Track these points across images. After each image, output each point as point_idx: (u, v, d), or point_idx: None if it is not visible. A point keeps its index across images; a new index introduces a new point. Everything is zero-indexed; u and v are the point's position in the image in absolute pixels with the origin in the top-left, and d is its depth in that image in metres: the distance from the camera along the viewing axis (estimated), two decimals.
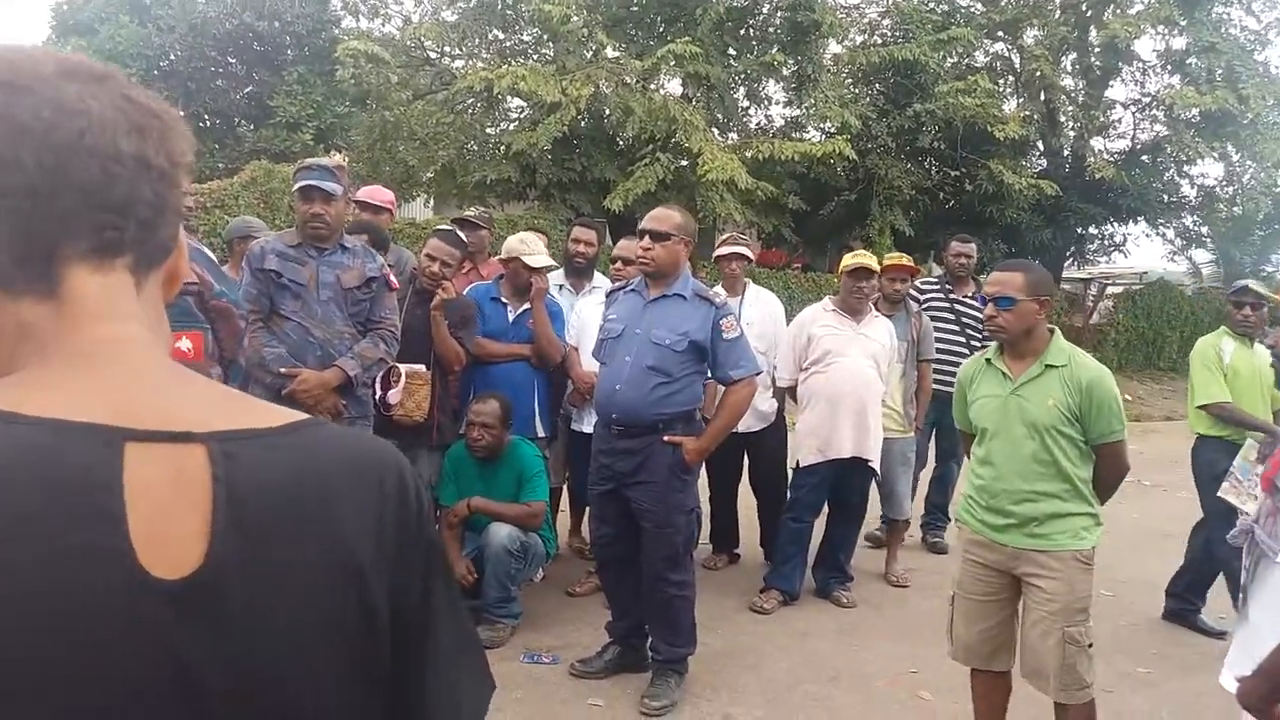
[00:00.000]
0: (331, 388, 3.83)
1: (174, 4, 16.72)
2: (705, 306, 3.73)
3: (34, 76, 0.70)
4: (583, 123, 13.84)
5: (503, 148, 14.36)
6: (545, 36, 14.73)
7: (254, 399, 0.77)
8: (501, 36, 14.97)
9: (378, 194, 5.42)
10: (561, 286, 5.31)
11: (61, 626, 0.60)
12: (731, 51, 15.33)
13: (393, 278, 4.16)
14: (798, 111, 16.26)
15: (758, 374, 3.95)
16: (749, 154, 13.73)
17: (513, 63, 13.58)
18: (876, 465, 5.03)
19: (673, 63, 12.95)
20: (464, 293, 4.83)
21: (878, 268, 5.19)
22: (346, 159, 4.42)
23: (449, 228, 4.50)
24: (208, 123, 16.11)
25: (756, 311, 5.27)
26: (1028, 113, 16.13)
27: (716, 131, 15.15)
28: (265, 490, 0.68)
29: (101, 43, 16.68)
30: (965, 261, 6.37)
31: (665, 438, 3.67)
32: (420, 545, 0.78)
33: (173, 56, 16.49)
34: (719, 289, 4.85)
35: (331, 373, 3.83)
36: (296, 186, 3.92)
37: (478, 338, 4.72)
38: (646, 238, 3.71)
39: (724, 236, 5.63)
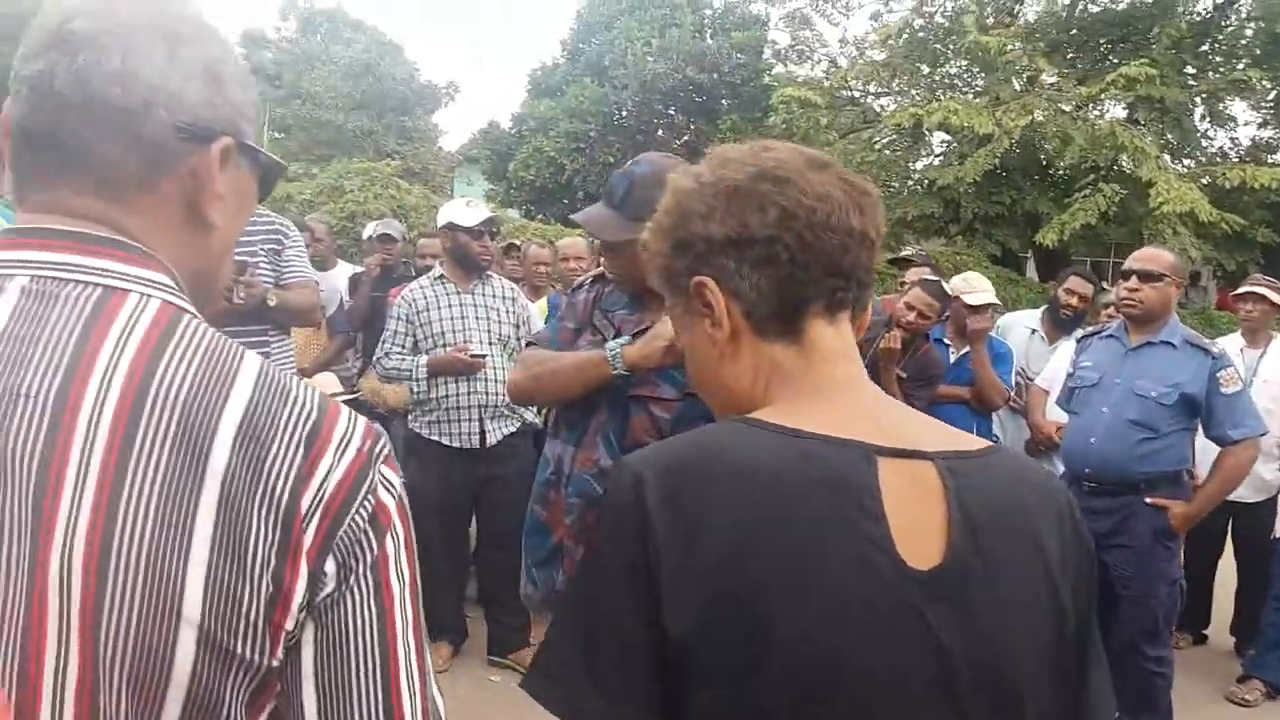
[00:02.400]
0: None
1: (628, 64, 18.63)
2: (1200, 356, 3.41)
3: (793, 169, 0.89)
4: (1014, 154, 13.22)
5: (926, 183, 14.17)
6: (976, 69, 14.33)
7: (954, 429, 0.92)
8: (928, 71, 14.81)
9: None
10: (1034, 331, 5.02)
11: (849, 591, 0.77)
12: (1189, 70, 13.84)
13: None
14: (1271, 132, 14.22)
15: (1262, 435, 3.51)
16: (1206, 181, 12.21)
17: (942, 97, 13.36)
18: None
19: (1121, 86, 11.94)
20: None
21: None
22: None
23: (934, 278, 4.48)
24: None
25: (1276, 368, 4.55)
26: None
27: (1169, 158, 13.69)
28: (983, 500, 0.82)
29: (568, 102, 19.04)
30: None
31: (1148, 499, 3.39)
32: (1086, 556, 0.89)
33: (624, 112, 18.41)
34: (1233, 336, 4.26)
35: None
36: None
37: None
38: (1134, 279, 3.47)
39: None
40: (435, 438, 3.78)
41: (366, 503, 0.72)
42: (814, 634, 0.75)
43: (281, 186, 10.00)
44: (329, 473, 0.71)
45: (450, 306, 3.84)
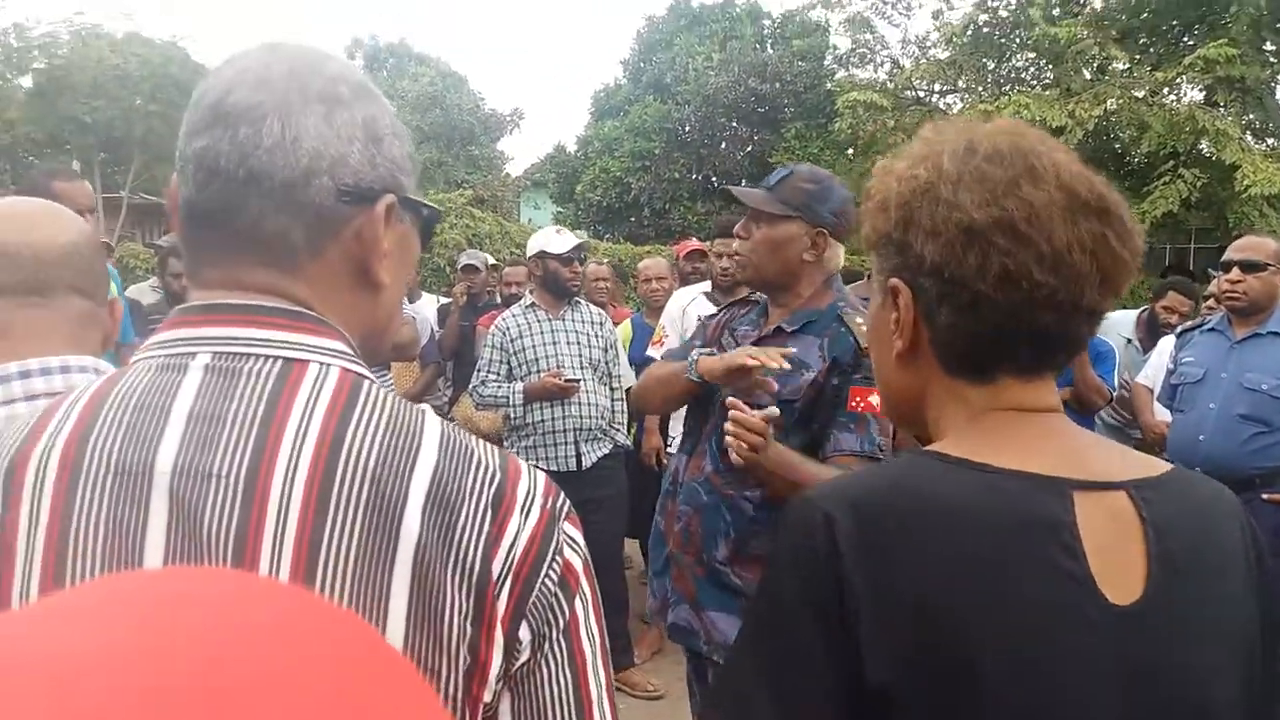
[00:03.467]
0: None
1: (689, 80, 18.73)
2: None
3: (1043, 220, 0.79)
4: (1088, 145, 12.91)
5: None
6: (1044, 61, 14.04)
7: (1130, 450, 0.89)
8: (994, 67, 14.57)
9: None
10: (1129, 341, 4.91)
11: (1052, 631, 0.75)
12: (1269, 47, 13.34)
13: None
14: None
15: None
16: None
17: (1011, 92, 13.13)
18: None
19: (1199, 68, 11.58)
20: None
21: None
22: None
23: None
24: (715, 183, 17.74)
25: None
26: None
27: (1251, 139, 13.21)
28: (1176, 527, 0.79)
29: (631, 121, 19.21)
30: None
31: (1265, 495, 3.28)
32: (1263, 573, 0.85)
33: (687, 127, 18.47)
34: None
35: None
36: None
37: None
38: (1236, 269, 3.38)
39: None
40: (533, 462, 3.84)
41: (555, 564, 0.70)
42: (1020, 676, 0.73)
43: None
44: (517, 535, 0.69)
45: (543, 333, 3.92)
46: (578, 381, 3.81)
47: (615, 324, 4.58)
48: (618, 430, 4.15)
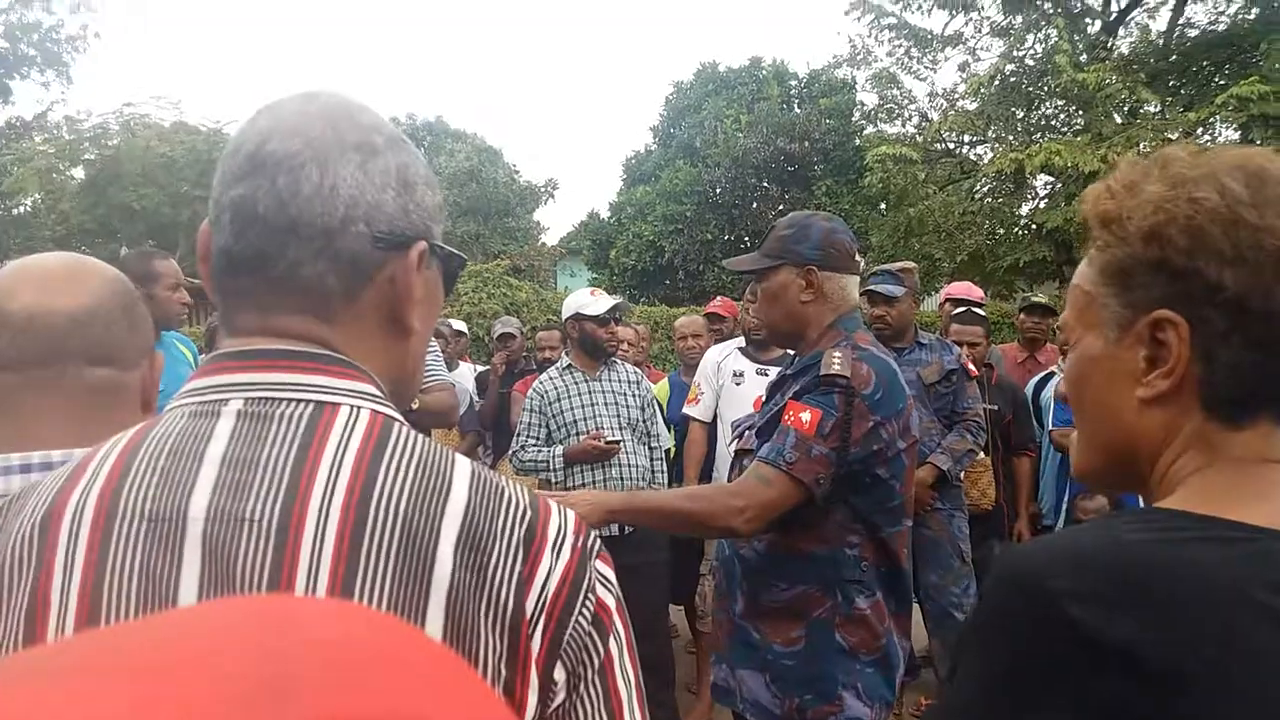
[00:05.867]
0: (927, 485, 3.92)
1: (719, 143, 18.96)
2: None
3: None
4: None
5: (1033, 227, 13.82)
6: (1073, 107, 14.03)
7: None
8: (1022, 115, 14.58)
9: (971, 291, 5.48)
10: None
11: None
12: None
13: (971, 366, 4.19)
14: None
15: None
16: None
17: (1041, 139, 13.11)
18: None
19: (1233, 107, 11.50)
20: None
21: None
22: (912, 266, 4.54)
23: None
24: (747, 243, 17.82)
25: None
26: None
27: None
28: None
29: (662, 185, 19.43)
30: None
31: None
32: None
33: (718, 189, 18.64)
34: None
35: (926, 470, 3.92)
36: (863, 291, 4.15)
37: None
38: None
39: None
40: None
41: (588, 603, 0.70)
42: None
43: None
44: (549, 574, 0.69)
45: (580, 394, 3.91)
46: (618, 442, 3.78)
47: (653, 383, 4.57)
48: (658, 491, 4.11)
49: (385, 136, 0.76)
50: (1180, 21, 14.67)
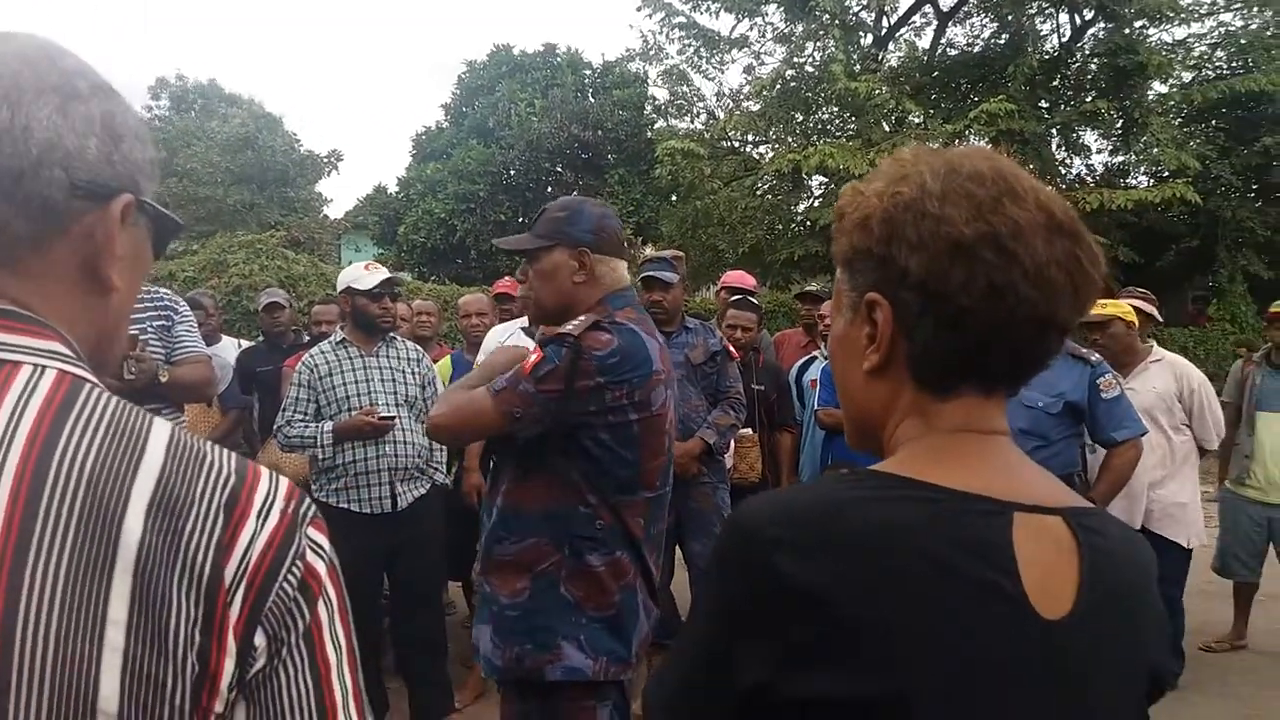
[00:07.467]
0: (695, 456, 4.08)
1: (513, 125, 18.80)
2: (1080, 365, 3.61)
3: (1027, 236, 0.81)
4: None
5: (808, 224, 14.64)
6: (847, 114, 14.95)
7: (1059, 480, 0.91)
8: (801, 119, 15.38)
9: (745, 280, 5.70)
10: None
11: (987, 649, 0.77)
12: (1044, 104, 14.75)
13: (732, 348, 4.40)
14: (1121, 158, 15.24)
15: (1143, 435, 3.72)
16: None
17: (818, 142, 13.89)
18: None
19: (984, 121, 12.66)
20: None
21: None
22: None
23: None
24: None
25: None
26: None
27: None
28: (1106, 554, 0.83)
29: (455, 164, 19.05)
30: None
31: None
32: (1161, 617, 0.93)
33: (512, 171, 18.53)
34: None
35: (693, 443, 4.07)
36: (640, 277, 4.27)
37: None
38: None
39: None
40: (344, 505, 3.68)
41: (295, 569, 0.68)
42: (953, 695, 0.75)
43: (163, 264, 9.69)
44: (252, 540, 0.67)
45: (354, 370, 3.78)
46: (392, 419, 3.68)
47: (435, 361, 4.48)
48: (436, 469, 4.04)
49: (90, 83, 0.72)
50: (942, 41, 15.99)
